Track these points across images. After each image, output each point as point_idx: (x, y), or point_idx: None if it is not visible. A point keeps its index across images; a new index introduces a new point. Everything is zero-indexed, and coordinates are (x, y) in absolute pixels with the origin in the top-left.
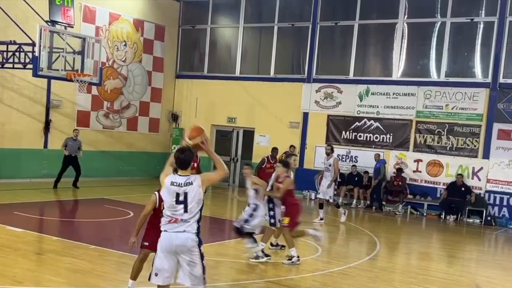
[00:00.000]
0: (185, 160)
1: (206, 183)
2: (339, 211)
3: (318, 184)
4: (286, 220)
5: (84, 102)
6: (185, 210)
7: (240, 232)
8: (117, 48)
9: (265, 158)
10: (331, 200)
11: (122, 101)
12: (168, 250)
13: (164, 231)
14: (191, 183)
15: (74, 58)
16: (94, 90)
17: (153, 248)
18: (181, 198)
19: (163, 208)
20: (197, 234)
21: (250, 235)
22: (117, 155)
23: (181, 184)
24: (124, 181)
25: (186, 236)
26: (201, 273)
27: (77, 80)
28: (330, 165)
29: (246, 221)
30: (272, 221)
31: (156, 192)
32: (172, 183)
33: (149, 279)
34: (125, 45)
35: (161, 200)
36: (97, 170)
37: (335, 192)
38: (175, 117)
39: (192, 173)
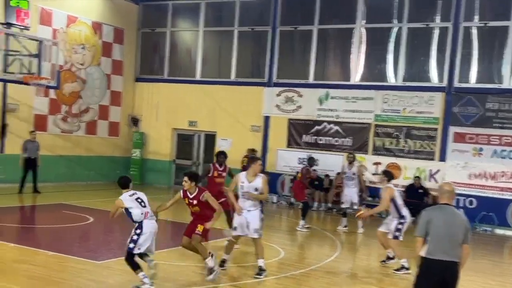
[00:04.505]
0: None
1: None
2: (358, 222)
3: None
4: (201, 228)
5: (42, 106)
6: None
7: None
8: (75, 51)
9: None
10: (355, 207)
11: (80, 104)
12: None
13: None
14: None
15: (30, 61)
16: (52, 93)
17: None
18: None
19: None
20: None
21: None
22: (76, 160)
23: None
24: (83, 186)
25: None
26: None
27: (34, 84)
28: (354, 174)
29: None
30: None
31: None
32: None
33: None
34: (83, 48)
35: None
36: (55, 175)
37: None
38: (135, 121)
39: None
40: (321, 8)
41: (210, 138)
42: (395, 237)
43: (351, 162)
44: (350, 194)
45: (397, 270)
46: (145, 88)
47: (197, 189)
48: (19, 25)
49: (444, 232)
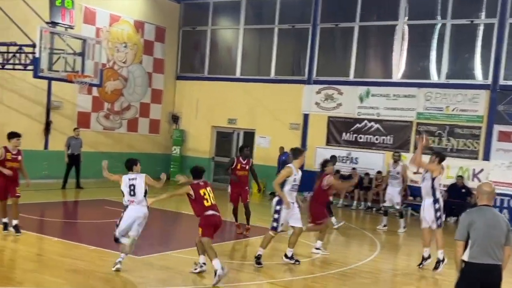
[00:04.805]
0: None
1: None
2: (400, 221)
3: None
4: (200, 231)
5: (85, 103)
6: None
7: None
8: (118, 50)
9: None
10: (397, 207)
11: (122, 102)
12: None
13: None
14: None
15: (74, 60)
16: (95, 91)
17: None
18: None
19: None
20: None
21: None
22: (117, 156)
23: None
24: None
25: None
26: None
27: (78, 82)
28: (398, 173)
29: None
30: (275, 224)
31: None
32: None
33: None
34: (125, 46)
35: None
36: (97, 171)
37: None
38: (175, 119)
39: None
40: (362, 5)
41: (249, 136)
42: (439, 226)
43: (396, 161)
44: (393, 193)
45: (436, 268)
46: (186, 86)
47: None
48: (64, 24)
49: (487, 234)
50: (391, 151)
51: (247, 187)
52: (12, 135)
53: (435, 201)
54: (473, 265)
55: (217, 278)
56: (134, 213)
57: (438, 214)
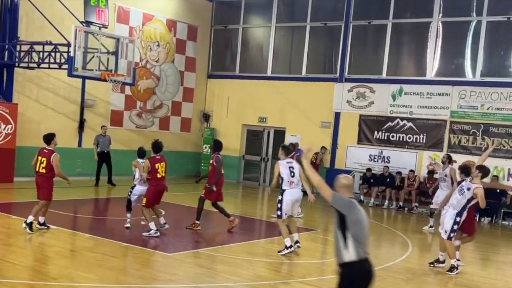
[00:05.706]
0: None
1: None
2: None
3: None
4: (144, 200)
5: (118, 101)
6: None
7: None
8: (150, 48)
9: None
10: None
11: (154, 100)
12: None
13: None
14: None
15: (108, 58)
16: (128, 90)
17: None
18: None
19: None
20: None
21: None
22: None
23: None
24: None
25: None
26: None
27: (111, 80)
28: (446, 175)
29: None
30: (279, 213)
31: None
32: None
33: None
34: (158, 45)
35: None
36: (129, 168)
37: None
38: (206, 117)
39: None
40: (395, 2)
41: (279, 134)
42: (449, 238)
43: (443, 162)
44: (441, 196)
45: (449, 271)
46: (217, 84)
47: None
48: (98, 24)
49: (367, 231)
50: (424, 150)
51: (207, 184)
52: (52, 136)
53: (459, 214)
54: (362, 262)
55: (148, 233)
56: (140, 192)
57: (455, 227)
